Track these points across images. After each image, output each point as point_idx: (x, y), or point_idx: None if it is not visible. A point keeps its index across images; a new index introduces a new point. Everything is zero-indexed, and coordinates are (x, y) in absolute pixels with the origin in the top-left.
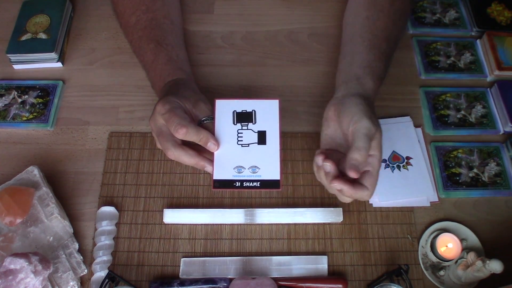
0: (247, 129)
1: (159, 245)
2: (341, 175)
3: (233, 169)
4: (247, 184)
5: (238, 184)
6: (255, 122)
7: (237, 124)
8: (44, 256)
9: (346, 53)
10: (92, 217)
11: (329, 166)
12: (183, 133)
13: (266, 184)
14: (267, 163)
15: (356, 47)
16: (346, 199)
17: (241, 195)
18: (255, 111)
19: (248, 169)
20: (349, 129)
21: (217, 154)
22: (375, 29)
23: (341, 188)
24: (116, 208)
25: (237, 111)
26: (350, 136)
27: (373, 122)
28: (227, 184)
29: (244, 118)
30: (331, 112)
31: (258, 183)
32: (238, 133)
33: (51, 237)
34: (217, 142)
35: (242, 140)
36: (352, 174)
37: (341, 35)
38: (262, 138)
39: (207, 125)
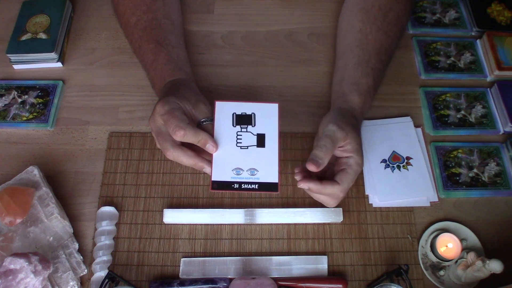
0: (246, 131)
1: (159, 245)
2: (308, 176)
3: (232, 171)
4: (245, 186)
5: (236, 186)
6: (254, 125)
7: (237, 126)
8: (44, 256)
9: (338, 67)
10: (92, 217)
11: (298, 176)
12: (181, 136)
13: (264, 186)
14: (265, 166)
15: (346, 62)
16: (323, 199)
17: (241, 195)
18: (254, 114)
19: (246, 171)
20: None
21: (216, 155)
22: (367, 44)
23: (308, 186)
24: (116, 208)
25: (236, 114)
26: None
27: (339, 127)
28: (225, 185)
29: (243, 120)
30: (320, 130)
31: (256, 185)
32: (237, 135)
33: (51, 237)
34: (216, 144)
35: (241, 142)
36: (311, 167)
37: None
38: (261, 141)
39: (206, 126)
